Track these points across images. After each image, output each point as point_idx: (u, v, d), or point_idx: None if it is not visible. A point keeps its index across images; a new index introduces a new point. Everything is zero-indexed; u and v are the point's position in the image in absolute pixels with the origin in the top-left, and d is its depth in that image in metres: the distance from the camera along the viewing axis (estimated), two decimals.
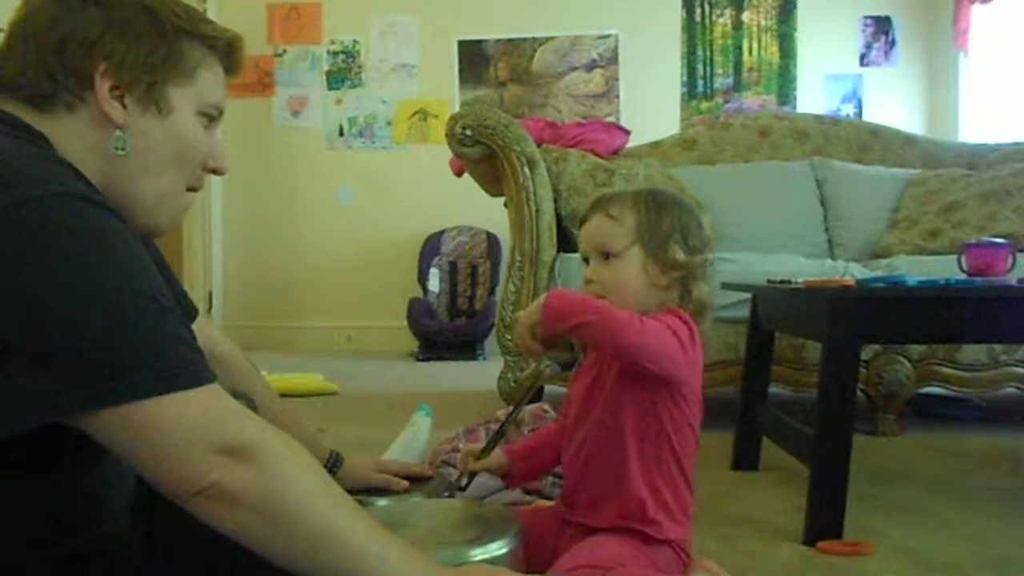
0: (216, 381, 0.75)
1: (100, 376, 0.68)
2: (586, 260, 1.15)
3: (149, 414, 0.69)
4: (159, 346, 0.71)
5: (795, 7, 4.88)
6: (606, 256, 1.11)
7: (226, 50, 0.90)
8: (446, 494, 1.30)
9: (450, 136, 2.54)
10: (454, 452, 1.66)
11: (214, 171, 0.93)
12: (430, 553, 0.84)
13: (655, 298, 1.10)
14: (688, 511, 1.11)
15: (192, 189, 0.91)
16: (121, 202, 0.85)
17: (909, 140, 3.41)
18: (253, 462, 0.72)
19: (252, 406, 1.05)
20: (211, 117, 0.90)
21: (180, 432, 0.70)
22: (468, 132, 2.51)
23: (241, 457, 0.71)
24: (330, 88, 5.09)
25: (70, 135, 0.81)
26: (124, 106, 0.82)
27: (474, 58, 5.00)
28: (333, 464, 1.27)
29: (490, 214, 4.04)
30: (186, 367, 0.72)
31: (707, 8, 4.92)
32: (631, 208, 1.10)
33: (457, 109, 4.29)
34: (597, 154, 2.92)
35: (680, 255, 1.08)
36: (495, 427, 1.70)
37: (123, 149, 0.83)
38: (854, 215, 3.04)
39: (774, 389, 2.15)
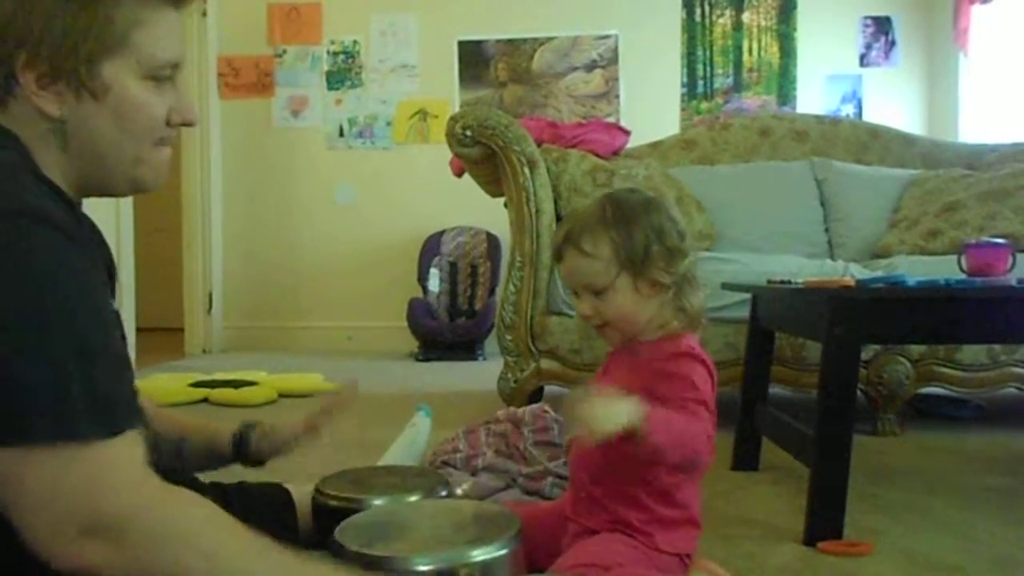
0: (133, 430, 0.72)
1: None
2: (575, 292, 1.13)
3: (31, 464, 0.66)
4: (71, 390, 0.68)
5: (795, 7, 4.88)
6: (597, 292, 1.09)
7: None
8: (444, 494, 1.29)
9: (450, 136, 2.54)
10: (454, 452, 1.67)
11: (183, 124, 0.87)
12: (431, 554, 0.84)
13: (654, 308, 1.10)
14: (693, 524, 1.11)
15: (163, 144, 0.86)
16: (96, 176, 0.82)
17: (909, 140, 3.41)
18: (120, 541, 0.69)
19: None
20: (163, 78, 0.83)
21: (53, 502, 0.67)
22: (468, 132, 2.51)
23: (107, 536, 0.68)
24: (330, 88, 5.09)
25: (22, 128, 0.78)
26: (59, 93, 0.77)
27: (474, 58, 5.00)
28: (241, 441, 1.20)
29: (490, 214, 4.04)
30: (100, 413, 0.69)
31: (707, 8, 4.92)
32: (603, 237, 1.07)
33: (457, 109, 4.30)
34: (597, 154, 2.92)
35: (662, 265, 1.07)
36: (495, 427, 1.70)
37: (66, 138, 0.79)
38: (854, 215, 3.03)
39: (774, 389, 2.15)
